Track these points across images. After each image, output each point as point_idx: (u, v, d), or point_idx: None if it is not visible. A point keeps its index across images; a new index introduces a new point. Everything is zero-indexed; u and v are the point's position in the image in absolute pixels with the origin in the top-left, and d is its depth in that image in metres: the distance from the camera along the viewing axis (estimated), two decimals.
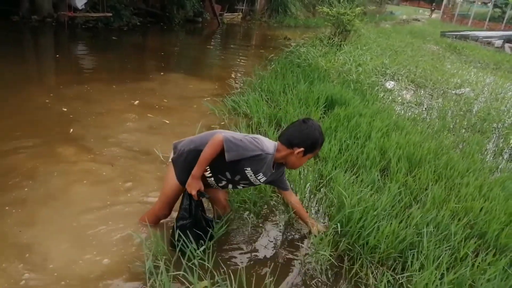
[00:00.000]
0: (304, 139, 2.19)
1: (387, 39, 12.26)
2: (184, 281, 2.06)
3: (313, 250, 2.42)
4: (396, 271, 2.33)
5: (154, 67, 7.78)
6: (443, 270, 2.17)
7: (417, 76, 7.89)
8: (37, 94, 4.98)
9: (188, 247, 2.20)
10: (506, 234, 2.65)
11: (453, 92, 7.14)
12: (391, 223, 2.44)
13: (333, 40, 9.15)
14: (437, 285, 2.08)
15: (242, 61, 9.04)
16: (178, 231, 2.25)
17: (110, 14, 10.85)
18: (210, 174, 2.31)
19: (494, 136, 5.14)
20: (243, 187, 2.43)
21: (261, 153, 2.14)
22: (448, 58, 11.26)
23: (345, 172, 3.27)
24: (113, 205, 2.79)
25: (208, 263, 2.14)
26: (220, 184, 2.37)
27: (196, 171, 2.17)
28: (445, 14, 37.03)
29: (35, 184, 2.93)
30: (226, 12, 17.07)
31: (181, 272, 2.06)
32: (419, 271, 2.20)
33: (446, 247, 2.43)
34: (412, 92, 7.00)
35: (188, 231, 2.25)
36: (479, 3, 34.66)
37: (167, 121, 4.51)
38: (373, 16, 16.99)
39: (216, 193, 2.60)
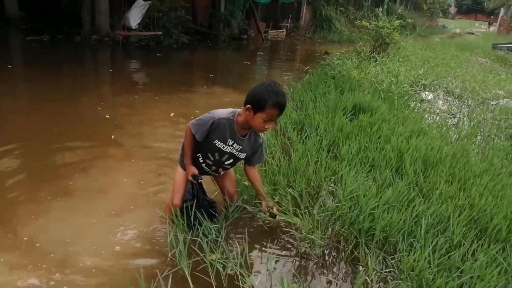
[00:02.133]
0: (251, 96, 2.32)
1: (430, 51, 12.15)
2: (199, 252, 2.40)
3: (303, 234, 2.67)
4: (391, 255, 2.52)
5: (198, 81, 8.33)
6: (430, 254, 2.34)
7: (455, 87, 7.85)
8: (91, 103, 5.63)
9: (196, 225, 2.56)
10: (507, 229, 2.75)
11: (492, 103, 7.04)
12: (388, 212, 2.65)
13: (370, 53, 9.30)
14: (421, 265, 2.26)
15: (281, 74, 9.41)
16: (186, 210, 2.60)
17: (161, 33, 11.69)
18: (202, 160, 2.60)
19: None
20: (230, 164, 2.64)
21: (213, 120, 2.39)
22: (494, 70, 10.97)
23: (358, 171, 3.47)
24: (145, 201, 3.19)
25: (220, 239, 2.47)
26: (212, 169, 2.65)
27: (185, 159, 2.56)
28: (502, 27, 35.46)
29: (79, 178, 3.42)
30: (270, 29, 17.64)
31: (198, 239, 2.41)
32: (409, 253, 2.39)
33: (442, 237, 2.59)
34: (448, 102, 6.99)
35: (193, 210, 2.57)
36: None
37: None
38: (416, 29, 16.79)
39: (223, 182, 2.86)
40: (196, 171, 2.55)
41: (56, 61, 8.49)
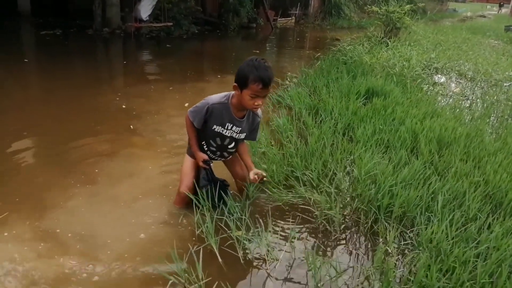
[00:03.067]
0: (237, 74, 2.34)
1: (441, 35, 12.07)
2: (225, 228, 2.52)
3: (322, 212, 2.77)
4: (410, 229, 2.63)
5: (210, 70, 8.44)
6: (447, 227, 2.43)
7: (467, 69, 7.83)
8: (108, 93, 5.79)
9: (220, 205, 2.68)
10: None
11: (505, 84, 7.03)
12: (406, 190, 2.75)
13: (381, 38, 9.29)
14: (439, 237, 2.35)
15: (292, 61, 9.48)
16: (203, 192, 2.66)
17: (171, 24, 11.78)
18: (207, 148, 2.68)
19: None
20: (234, 147, 2.69)
21: (207, 106, 2.45)
22: (507, 52, 10.87)
23: (373, 152, 3.55)
24: (166, 189, 3.28)
25: (244, 216, 2.59)
26: (217, 154, 2.72)
27: (192, 147, 2.64)
28: None
29: (104, 166, 3.53)
30: (279, 17, 17.60)
31: (223, 217, 2.53)
32: (426, 227, 2.48)
33: (459, 211, 2.67)
34: (460, 85, 7.00)
35: (217, 190, 2.67)
36: None
37: None
38: (426, 13, 16.64)
39: (234, 167, 2.92)
40: (205, 157, 2.62)
41: (71, 55, 8.68)
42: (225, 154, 2.74)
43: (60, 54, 8.54)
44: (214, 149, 2.67)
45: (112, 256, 2.38)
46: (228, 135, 2.56)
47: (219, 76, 7.48)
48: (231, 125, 2.51)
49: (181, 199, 2.79)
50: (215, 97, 2.51)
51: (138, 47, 10.42)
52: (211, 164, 2.70)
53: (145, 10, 11.11)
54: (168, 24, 11.70)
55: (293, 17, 18.86)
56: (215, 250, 2.36)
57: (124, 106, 5.25)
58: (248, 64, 2.29)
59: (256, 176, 2.63)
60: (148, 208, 2.92)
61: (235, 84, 2.35)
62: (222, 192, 2.72)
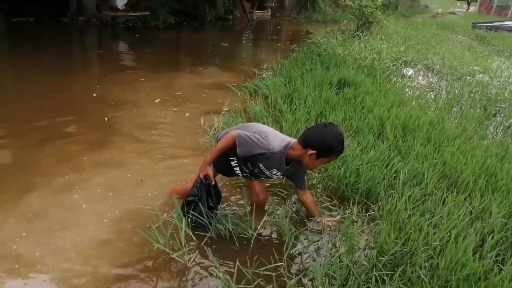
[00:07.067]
0: (319, 142, 2.23)
1: (412, 30, 12.50)
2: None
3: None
4: (373, 203, 2.89)
5: (185, 62, 8.52)
6: (406, 201, 2.71)
7: (434, 63, 8.22)
8: (83, 83, 5.84)
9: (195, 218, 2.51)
10: (474, 182, 3.13)
11: (468, 77, 7.44)
12: (371, 169, 3.01)
13: (354, 32, 9.60)
14: (398, 209, 2.62)
15: (268, 53, 9.67)
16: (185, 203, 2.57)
17: (148, 13, 11.76)
18: (236, 164, 2.54)
19: (497, 114, 5.49)
20: (263, 178, 2.65)
21: (266, 151, 2.31)
22: (472, 48, 11.38)
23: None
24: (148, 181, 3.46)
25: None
26: (244, 174, 2.60)
27: (207, 157, 2.48)
28: (482, 6, 36.01)
29: (80, 158, 3.58)
30: (256, 10, 17.74)
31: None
32: (387, 201, 2.75)
33: (418, 188, 2.95)
34: (427, 77, 7.37)
35: (192, 206, 2.51)
36: None
37: (196, 105, 5.19)
38: (398, 9, 17.16)
39: (252, 182, 2.70)
40: (210, 173, 2.49)
41: (44, 43, 8.58)
42: (253, 178, 2.63)
43: (33, 42, 8.44)
44: (247, 171, 2.56)
45: (100, 227, 2.55)
46: (267, 174, 2.52)
47: (192, 67, 7.56)
48: (276, 170, 2.47)
49: (176, 191, 2.89)
50: (276, 145, 2.35)
51: (114, 36, 10.39)
52: (212, 183, 2.54)
53: None
54: (145, 13, 11.68)
55: (269, 10, 19.04)
56: (190, 232, 2.48)
57: (94, 95, 5.28)
58: (336, 138, 2.25)
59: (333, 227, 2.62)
60: (130, 194, 3.02)
61: (313, 151, 2.25)
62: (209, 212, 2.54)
